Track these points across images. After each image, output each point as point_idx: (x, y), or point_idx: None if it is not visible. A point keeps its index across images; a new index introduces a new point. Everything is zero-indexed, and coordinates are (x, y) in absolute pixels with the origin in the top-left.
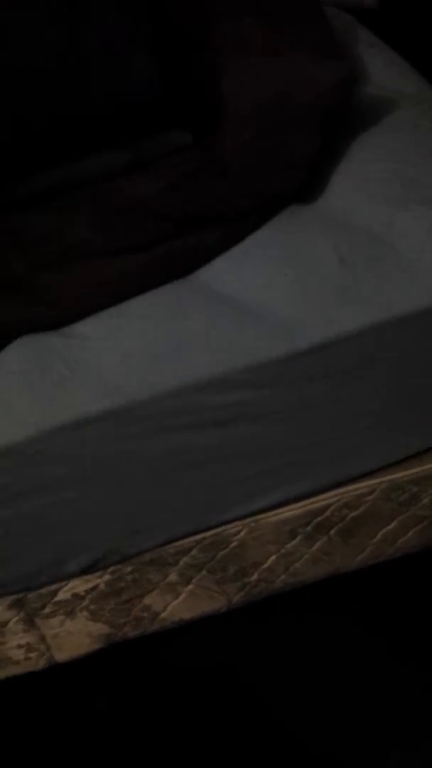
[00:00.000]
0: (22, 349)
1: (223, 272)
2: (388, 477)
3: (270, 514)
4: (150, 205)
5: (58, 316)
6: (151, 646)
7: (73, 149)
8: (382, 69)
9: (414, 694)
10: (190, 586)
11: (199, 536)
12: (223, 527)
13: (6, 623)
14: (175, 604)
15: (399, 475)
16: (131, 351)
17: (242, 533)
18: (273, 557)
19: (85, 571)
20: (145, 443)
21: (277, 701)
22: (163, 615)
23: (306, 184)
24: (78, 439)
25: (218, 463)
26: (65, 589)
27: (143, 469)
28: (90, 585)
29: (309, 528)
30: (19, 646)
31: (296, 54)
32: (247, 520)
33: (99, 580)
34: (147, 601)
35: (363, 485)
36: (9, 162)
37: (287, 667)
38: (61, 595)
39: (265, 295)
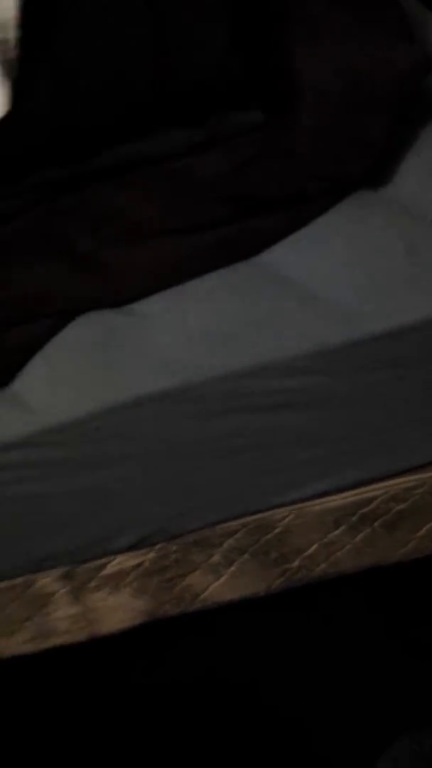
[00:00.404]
0: (85, 325)
1: (288, 256)
2: None
3: (316, 502)
4: (218, 185)
5: (122, 294)
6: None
7: (145, 126)
8: None
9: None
10: (232, 569)
11: (245, 519)
12: (270, 512)
13: (53, 594)
14: (216, 585)
15: None
16: (192, 332)
17: (287, 519)
18: (316, 545)
19: (132, 548)
20: (201, 424)
21: (283, 693)
22: (203, 595)
23: (375, 170)
24: (136, 417)
25: (271, 448)
26: (112, 564)
27: (197, 450)
28: (136, 561)
29: (354, 519)
30: (64, 618)
31: (372, 36)
32: (294, 506)
33: (144, 557)
34: (189, 580)
35: (412, 479)
36: (79, 137)
37: (297, 661)
38: (108, 570)
39: (330, 281)
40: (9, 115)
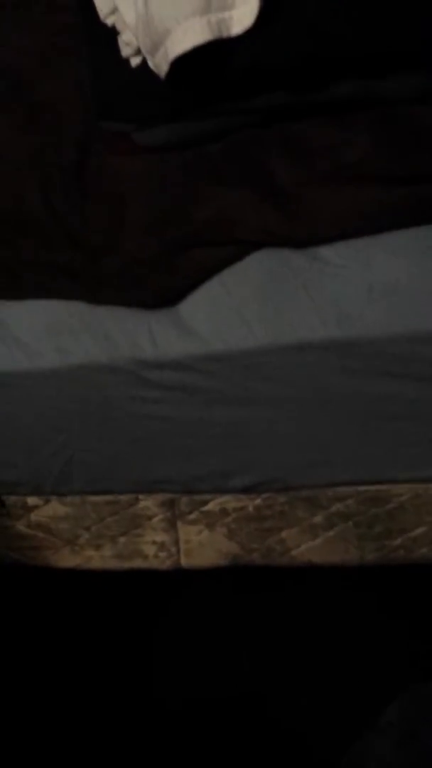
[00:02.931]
0: (264, 260)
1: None
2: None
3: None
4: None
5: (312, 235)
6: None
7: (383, 67)
8: None
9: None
10: (331, 533)
11: (362, 487)
12: (390, 485)
13: (151, 518)
14: (311, 545)
15: None
16: (374, 285)
17: (405, 496)
18: (423, 528)
19: (244, 490)
20: (360, 382)
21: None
22: (294, 552)
23: None
24: (298, 361)
25: (421, 420)
26: (217, 501)
27: (346, 407)
28: (240, 504)
29: None
30: (154, 543)
31: None
32: (418, 485)
33: (250, 502)
34: (285, 534)
35: None
36: (321, 66)
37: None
38: (211, 506)
39: None
40: (256, 31)
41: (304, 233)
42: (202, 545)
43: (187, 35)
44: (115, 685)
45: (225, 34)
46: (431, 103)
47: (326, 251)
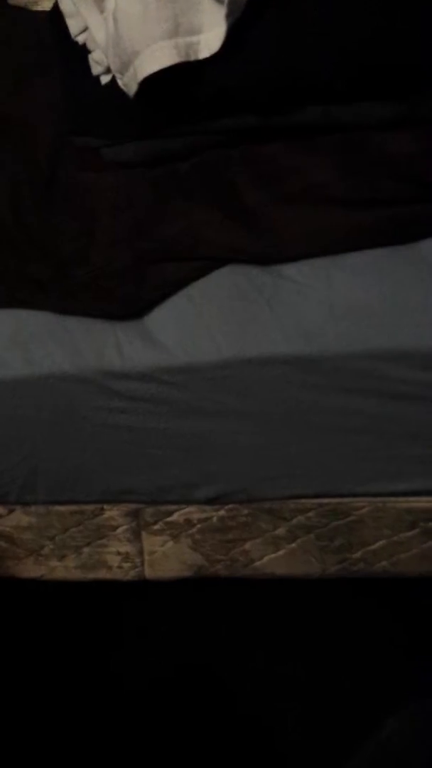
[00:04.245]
0: (230, 276)
1: None
2: None
3: (401, 499)
4: (402, 165)
5: (277, 254)
6: None
7: (349, 95)
8: None
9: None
10: (293, 545)
11: (324, 500)
12: (351, 499)
13: (115, 528)
14: (273, 557)
15: None
16: (336, 304)
17: (364, 510)
18: (383, 542)
19: (208, 501)
20: (322, 397)
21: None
22: (257, 564)
23: None
24: (261, 375)
25: (384, 437)
26: (181, 512)
27: (309, 420)
28: (204, 515)
29: (431, 525)
30: (118, 553)
31: None
32: (377, 499)
33: (214, 513)
34: (248, 546)
35: None
36: (287, 92)
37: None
38: (175, 517)
39: None
40: (224, 55)
41: (269, 251)
42: (167, 556)
43: (155, 57)
44: (77, 696)
45: (193, 58)
46: (394, 130)
47: (290, 269)
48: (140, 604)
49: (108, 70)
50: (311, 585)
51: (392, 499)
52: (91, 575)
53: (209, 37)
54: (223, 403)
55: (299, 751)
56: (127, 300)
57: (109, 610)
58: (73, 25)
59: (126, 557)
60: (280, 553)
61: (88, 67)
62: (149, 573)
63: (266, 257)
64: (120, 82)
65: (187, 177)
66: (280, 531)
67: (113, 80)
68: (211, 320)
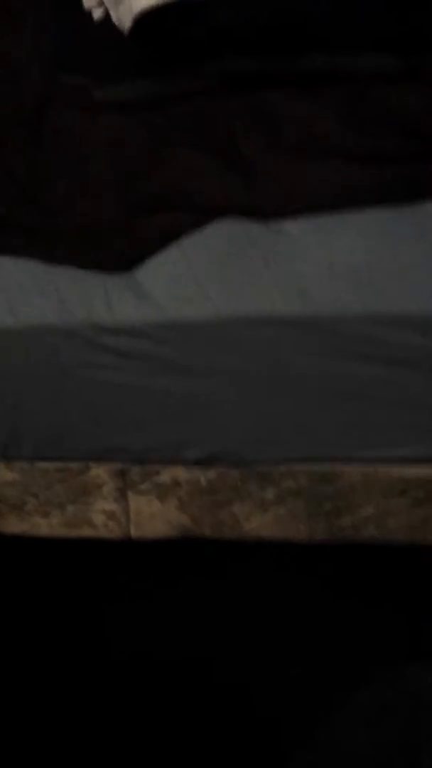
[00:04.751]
0: (226, 230)
1: None
2: None
3: (394, 467)
4: (408, 121)
5: (275, 208)
6: None
7: (353, 42)
8: None
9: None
10: (282, 509)
11: (314, 465)
12: (342, 465)
13: (101, 487)
14: (261, 521)
15: None
16: (335, 263)
17: (355, 476)
18: (372, 508)
19: (197, 463)
20: (317, 360)
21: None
22: (245, 527)
23: None
24: (255, 335)
25: (378, 402)
26: (169, 472)
27: (301, 384)
28: (192, 476)
29: (421, 493)
30: (104, 512)
31: None
32: (369, 464)
33: (202, 475)
34: (236, 509)
35: None
36: (273, 37)
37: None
38: (163, 477)
39: None
40: None
41: (268, 205)
42: (153, 516)
43: None
44: (62, 653)
45: None
46: (401, 84)
47: (291, 226)
48: (125, 563)
49: (101, 4)
50: (300, 550)
51: (384, 466)
52: (76, 533)
53: None
54: (214, 362)
55: (282, 714)
56: (119, 252)
57: (94, 569)
58: None
59: (111, 516)
60: (268, 517)
61: (79, 1)
62: (135, 532)
63: (263, 211)
64: (114, 17)
65: (184, 122)
66: (269, 494)
67: (106, 15)
68: (203, 275)
